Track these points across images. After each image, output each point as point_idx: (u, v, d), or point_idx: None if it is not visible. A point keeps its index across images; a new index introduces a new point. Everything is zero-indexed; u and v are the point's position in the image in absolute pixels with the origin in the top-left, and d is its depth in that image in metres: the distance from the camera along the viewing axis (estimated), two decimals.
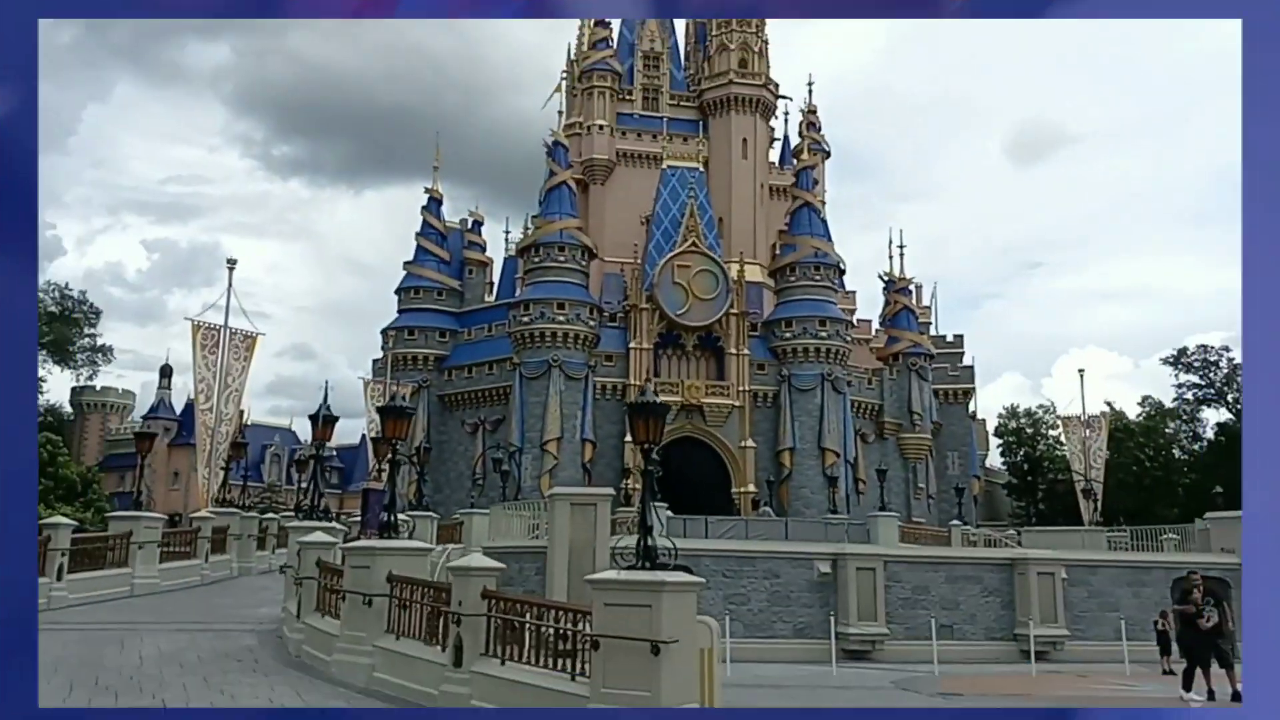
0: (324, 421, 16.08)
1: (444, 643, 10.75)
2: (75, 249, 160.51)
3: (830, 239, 59.78)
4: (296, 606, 14.07)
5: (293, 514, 31.99)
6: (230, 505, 26.94)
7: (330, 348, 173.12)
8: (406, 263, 64.53)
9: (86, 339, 72.89)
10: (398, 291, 64.14)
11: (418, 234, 64.42)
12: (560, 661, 9.66)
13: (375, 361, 65.62)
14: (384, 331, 64.41)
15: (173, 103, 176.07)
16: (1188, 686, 15.44)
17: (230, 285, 28.85)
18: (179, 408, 79.02)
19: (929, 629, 23.81)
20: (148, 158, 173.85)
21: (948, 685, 16.71)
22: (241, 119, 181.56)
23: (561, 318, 53.91)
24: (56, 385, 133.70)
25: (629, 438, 53.03)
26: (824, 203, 63.41)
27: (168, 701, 10.30)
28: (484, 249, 66.79)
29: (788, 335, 56.49)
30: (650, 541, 9.43)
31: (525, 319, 54.38)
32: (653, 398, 10.07)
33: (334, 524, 17.92)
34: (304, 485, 37.74)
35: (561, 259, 55.31)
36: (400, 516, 12.92)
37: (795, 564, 23.80)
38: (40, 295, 70.12)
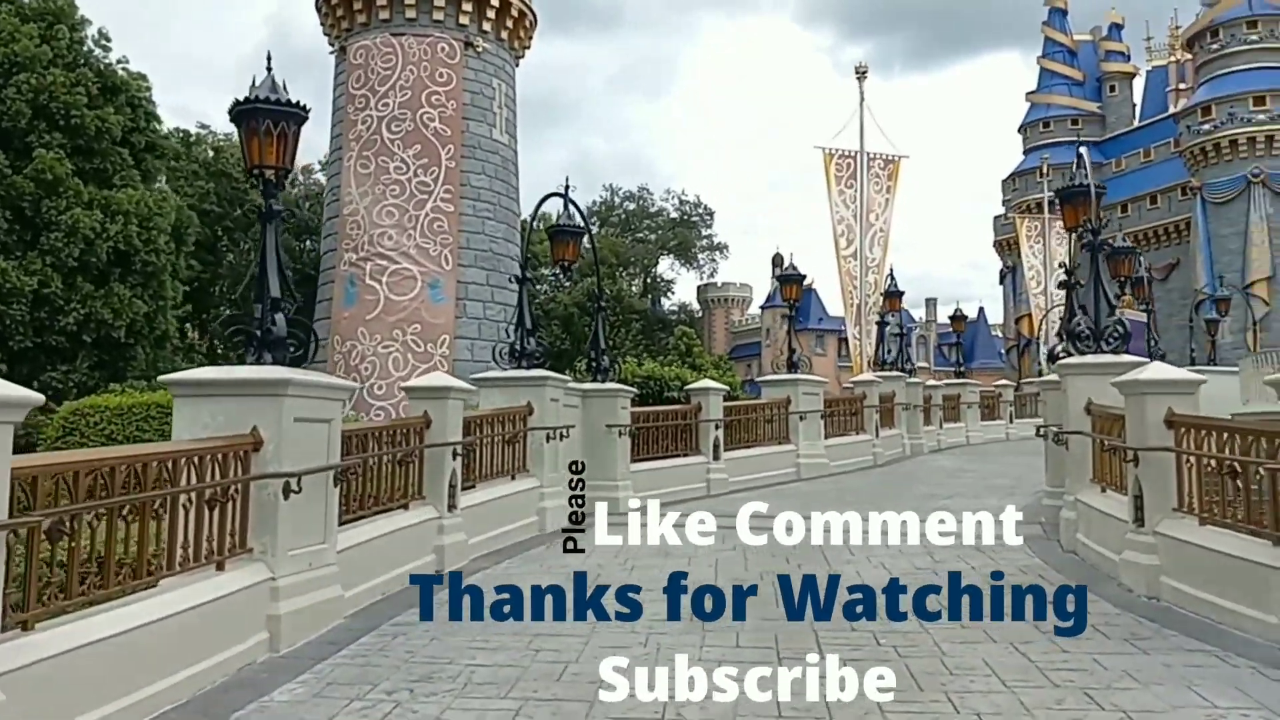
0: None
1: None
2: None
3: None
4: (1132, 508, 7.28)
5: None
6: (891, 368, 21.70)
7: (930, 242, 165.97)
8: (1028, 93, 54.77)
9: (704, 239, 77.09)
10: (1020, 130, 54.77)
11: (1039, 57, 53.96)
12: None
13: (996, 219, 57.82)
14: (1004, 182, 56.25)
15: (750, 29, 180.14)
16: None
17: (862, 101, 23.08)
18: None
19: None
20: (738, 95, 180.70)
21: None
22: (808, 29, 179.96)
23: (1261, 116, 40.28)
24: (684, 284, 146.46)
25: None
26: None
27: (981, 713, 4.30)
28: (1127, 58, 53.92)
29: None
30: None
31: (1205, 127, 41.67)
32: None
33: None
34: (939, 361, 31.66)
35: (1253, 38, 41.19)
36: None
37: None
38: (661, 204, 74.79)
